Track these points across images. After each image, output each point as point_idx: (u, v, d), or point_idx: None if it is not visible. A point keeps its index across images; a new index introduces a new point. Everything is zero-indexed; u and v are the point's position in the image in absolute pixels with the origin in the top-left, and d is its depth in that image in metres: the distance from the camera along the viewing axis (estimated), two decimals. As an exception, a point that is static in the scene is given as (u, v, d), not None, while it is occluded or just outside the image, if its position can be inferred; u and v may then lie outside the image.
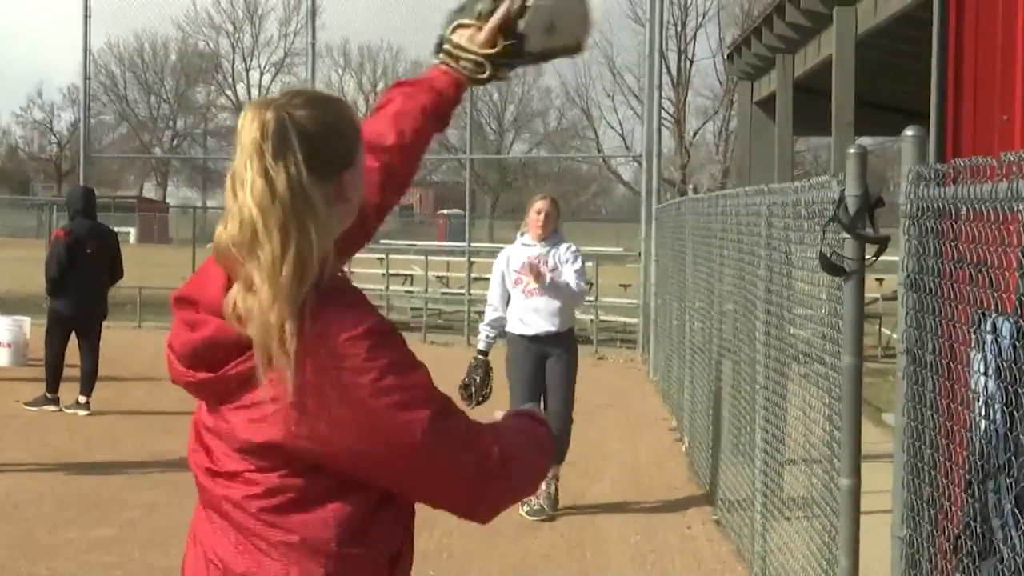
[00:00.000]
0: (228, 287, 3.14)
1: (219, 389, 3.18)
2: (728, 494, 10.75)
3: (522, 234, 11.78)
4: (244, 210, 3.09)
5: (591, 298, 25.60)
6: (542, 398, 11.53)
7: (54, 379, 16.30)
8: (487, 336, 11.72)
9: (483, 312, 12.10)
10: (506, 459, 3.22)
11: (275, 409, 3.06)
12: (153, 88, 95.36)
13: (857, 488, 6.44)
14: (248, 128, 3.14)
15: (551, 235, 11.68)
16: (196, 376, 3.19)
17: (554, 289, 11.37)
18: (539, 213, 11.62)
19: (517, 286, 11.53)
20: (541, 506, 11.31)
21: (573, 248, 11.79)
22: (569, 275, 11.47)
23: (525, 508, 11.22)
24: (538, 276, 11.27)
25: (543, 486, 11.45)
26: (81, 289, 16.16)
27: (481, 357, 11.52)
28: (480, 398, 11.17)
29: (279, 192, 3.09)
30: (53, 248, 16.26)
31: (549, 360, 11.51)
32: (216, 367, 3.15)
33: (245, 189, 3.10)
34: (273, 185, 3.09)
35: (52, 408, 16.07)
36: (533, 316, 11.48)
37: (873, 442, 8.21)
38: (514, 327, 11.58)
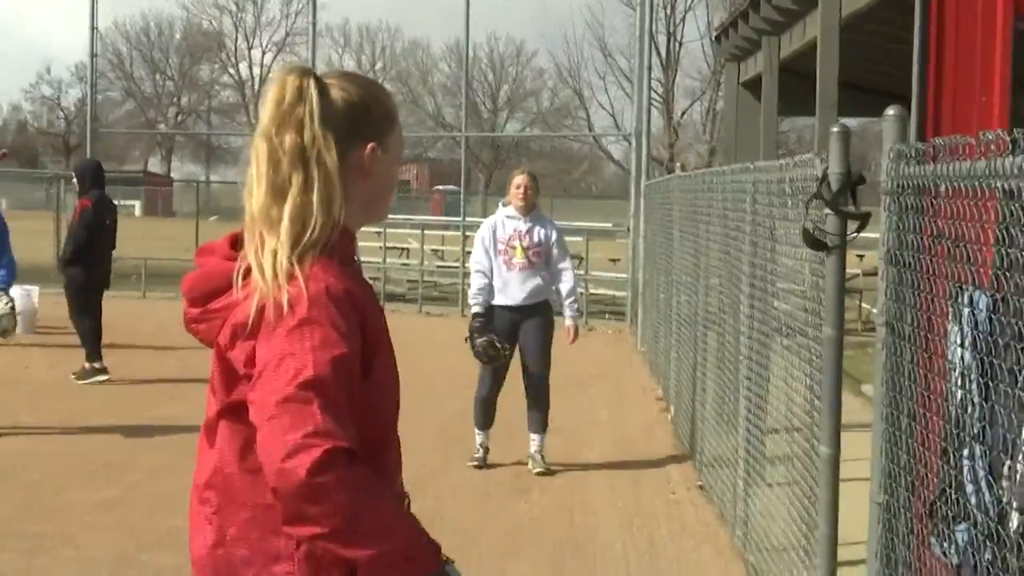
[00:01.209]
0: (239, 236, 3.28)
1: (208, 325, 3.31)
2: (712, 461, 10.76)
3: (504, 205, 11.86)
4: (253, 166, 3.22)
5: (581, 271, 25.61)
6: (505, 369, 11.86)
7: (96, 348, 16.22)
8: (481, 299, 11.77)
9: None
10: (335, 475, 2.96)
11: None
12: (158, 66, 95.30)
13: (837, 456, 6.44)
14: (270, 91, 3.25)
15: (532, 211, 11.87)
16: (191, 312, 3.34)
17: (577, 303, 12.22)
18: (519, 187, 11.82)
19: (502, 256, 11.61)
20: (484, 459, 11.78)
21: (559, 230, 12.12)
22: (569, 282, 12.00)
23: (472, 463, 11.71)
24: (574, 335, 12.16)
25: (534, 447, 11.58)
26: (102, 258, 16.23)
27: (482, 319, 11.64)
28: (502, 346, 11.52)
29: (286, 150, 3.18)
30: (81, 218, 16.16)
31: (523, 327, 11.61)
32: (205, 303, 3.28)
33: (256, 149, 3.22)
34: (279, 145, 3.19)
35: (102, 377, 15.99)
36: (511, 288, 11.61)
37: (852, 412, 8.20)
38: (494, 297, 11.69)
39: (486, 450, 11.72)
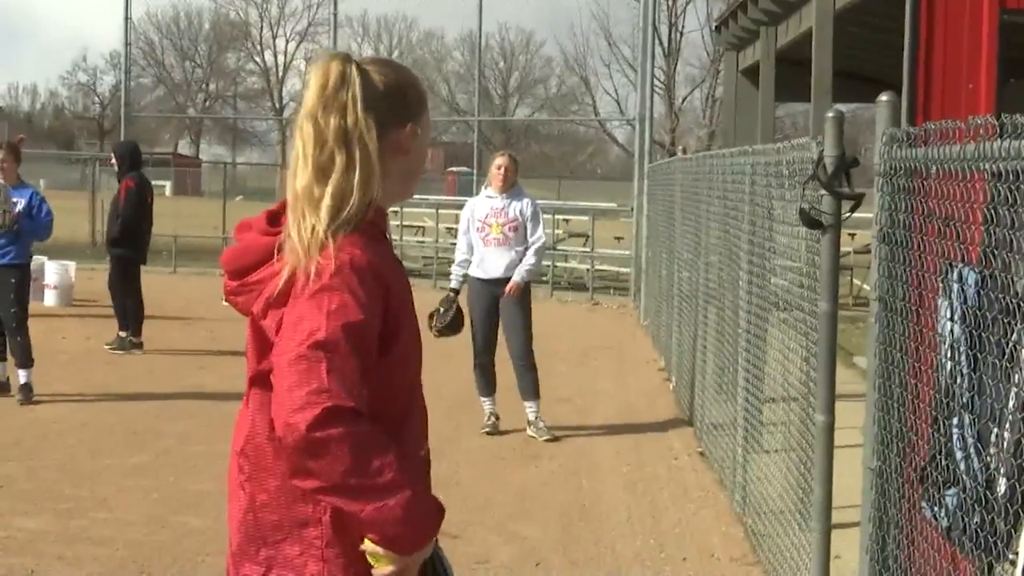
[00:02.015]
0: (275, 212, 3.32)
1: (246, 297, 3.30)
2: (712, 428, 10.75)
3: (486, 187, 11.92)
4: (299, 147, 3.24)
5: (587, 249, 25.60)
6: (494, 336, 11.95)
7: (138, 323, 16.25)
8: (457, 276, 12.05)
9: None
10: (341, 428, 2.98)
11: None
12: (188, 54, 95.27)
13: (831, 424, 6.43)
14: (314, 76, 3.27)
15: (511, 188, 11.84)
16: (230, 284, 3.33)
17: (532, 273, 11.94)
18: (499, 168, 11.86)
19: (480, 234, 11.70)
20: (496, 425, 11.80)
21: (534, 205, 12.03)
22: (530, 255, 11.76)
23: (485, 429, 11.73)
24: (515, 291, 11.66)
25: (531, 415, 11.61)
26: (145, 236, 16.29)
27: (452, 294, 11.90)
28: (440, 324, 11.65)
29: (331, 132, 3.21)
30: (127, 198, 16.14)
31: (503, 302, 11.63)
32: (243, 275, 3.28)
33: (301, 131, 3.25)
34: (324, 127, 3.21)
35: (139, 352, 16.01)
36: (488, 262, 11.69)
37: (845, 383, 8.20)
38: (473, 271, 11.89)
39: (496, 417, 11.72)
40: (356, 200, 3.19)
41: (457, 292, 11.91)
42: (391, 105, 3.31)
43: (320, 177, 3.19)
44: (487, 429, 11.65)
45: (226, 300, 3.40)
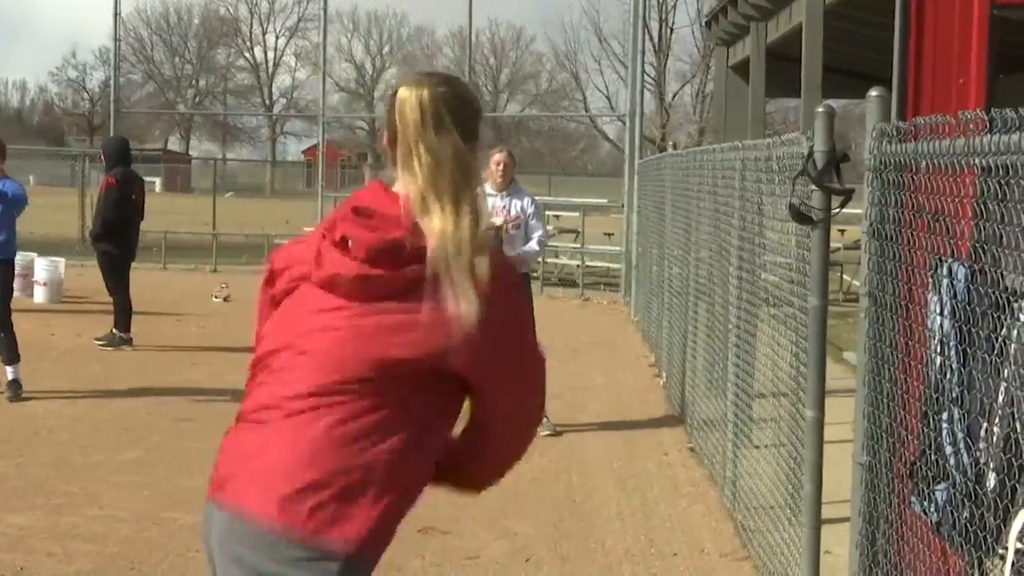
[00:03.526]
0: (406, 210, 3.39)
1: (385, 288, 3.33)
2: (702, 424, 10.76)
3: (484, 182, 11.79)
4: (419, 179, 3.40)
5: (577, 245, 25.59)
6: None
7: (128, 319, 16.23)
8: None
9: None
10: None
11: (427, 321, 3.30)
12: (177, 50, 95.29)
13: (821, 419, 6.44)
14: (412, 106, 3.43)
15: (510, 185, 11.70)
16: (372, 271, 3.33)
17: (528, 260, 11.80)
18: (498, 165, 11.61)
19: None
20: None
21: (535, 202, 11.95)
22: (533, 243, 11.61)
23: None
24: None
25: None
26: (129, 231, 16.21)
27: None
28: None
29: (445, 160, 3.40)
30: (106, 194, 16.12)
31: None
32: (395, 267, 3.31)
33: (419, 160, 3.41)
34: (439, 155, 3.40)
35: (129, 348, 16.00)
36: None
37: (835, 378, 8.22)
38: None
39: None
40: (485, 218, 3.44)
41: None
42: (470, 123, 3.51)
43: (447, 193, 3.39)
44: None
45: (344, 285, 3.40)
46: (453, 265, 3.28)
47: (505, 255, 3.51)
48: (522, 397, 3.58)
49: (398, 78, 3.88)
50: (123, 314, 16.16)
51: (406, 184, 3.41)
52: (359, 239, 3.34)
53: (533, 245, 11.51)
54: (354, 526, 3.25)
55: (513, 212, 11.54)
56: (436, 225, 3.32)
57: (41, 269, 20.64)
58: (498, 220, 11.43)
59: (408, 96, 3.42)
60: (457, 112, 3.44)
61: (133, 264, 16.61)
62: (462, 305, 3.26)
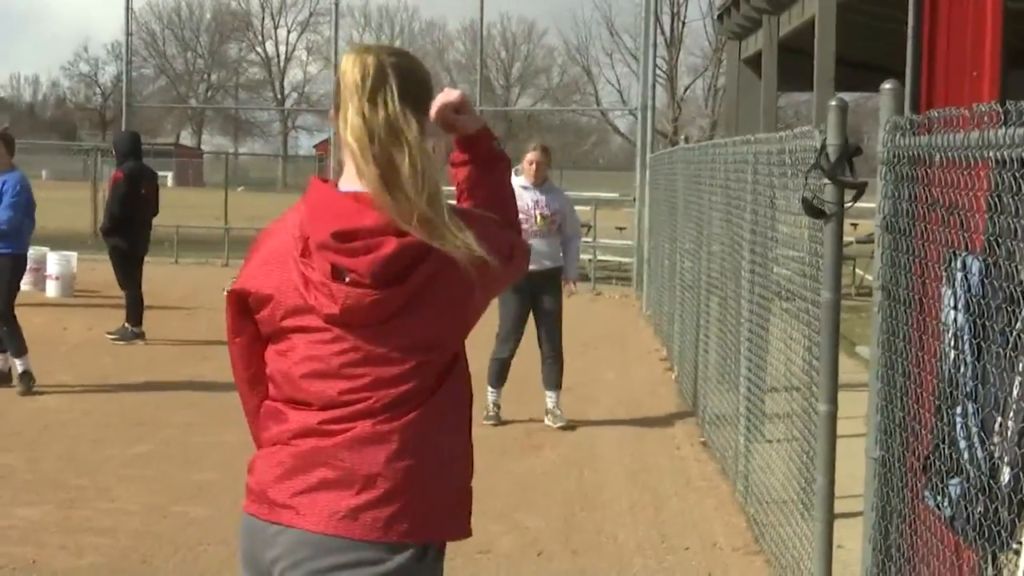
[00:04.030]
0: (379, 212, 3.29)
1: (400, 301, 3.30)
2: (714, 418, 10.75)
3: (517, 174, 11.79)
4: (348, 146, 3.31)
5: (589, 239, 25.57)
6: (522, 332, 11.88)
7: (138, 313, 16.25)
8: None
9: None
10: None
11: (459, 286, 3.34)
12: (189, 44, 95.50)
13: (834, 413, 6.42)
14: (350, 71, 3.32)
15: (544, 182, 11.91)
16: (383, 292, 3.27)
17: (575, 263, 12.31)
18: (531, 164, 11.84)
19: (523, 224, 11.52)
20: (497, 415, 11.83)
21: (569, 199, 12.22)
22: (576, 252, 12.17)
23: (484, 415, 11.66)
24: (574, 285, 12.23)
25: (551, 403, 11.61)
26: (139, 226, 16.19)
27: None
28: None
29: (377, 126, 3.28)
30: (114, 189, 16.14)
31: (538, 297, 11.60)
32: (403, 279, 3.27)
33: (346, 126, 3.30)
34: (370, 121, 3.28)
35: (139, 342, 16.02)
36: (535, 254, 11.51)
37: (848, 372, 8.19)
38: None
39: (498, 407, 11.74)
40: (435, 180, 3.30)
41: None
42: (419, 94, 3.39)
43: (389, 171, 3.26)
44: (491, 421, 11.66)
45: (357, 314, 3.33)
46: (433, 237, 3.24)
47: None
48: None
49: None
50: (134, 308, 16.18)
51: (353, 168, 3.34)
52: (356, 268, 3.27)
53: (577, 253, 12.21)
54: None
55: (553, 208, 11.66)
56: (393, 210, 3.26)
57: (53, 263, 20.67)
58: (540, 213, 11.57)
59: (351, 60, 3.34)
60: (402, 82, 3.33)
61: (145, 258, 16.62)
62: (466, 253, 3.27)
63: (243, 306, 3.49)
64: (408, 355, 3.33)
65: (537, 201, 11.62)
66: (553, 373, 11.79)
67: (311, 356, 3.36)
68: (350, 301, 3.28)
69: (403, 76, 3.33)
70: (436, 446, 3.44)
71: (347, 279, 3.27)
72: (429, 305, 3.31)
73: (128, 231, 16.09)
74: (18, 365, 12.51)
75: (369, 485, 3.31)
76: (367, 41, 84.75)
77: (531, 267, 11.76)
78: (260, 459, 3.47)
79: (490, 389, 11.75)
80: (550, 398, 11.75)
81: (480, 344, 12.15)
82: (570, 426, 11.57)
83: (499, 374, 11.80)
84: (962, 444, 4.40)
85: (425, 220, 3.22)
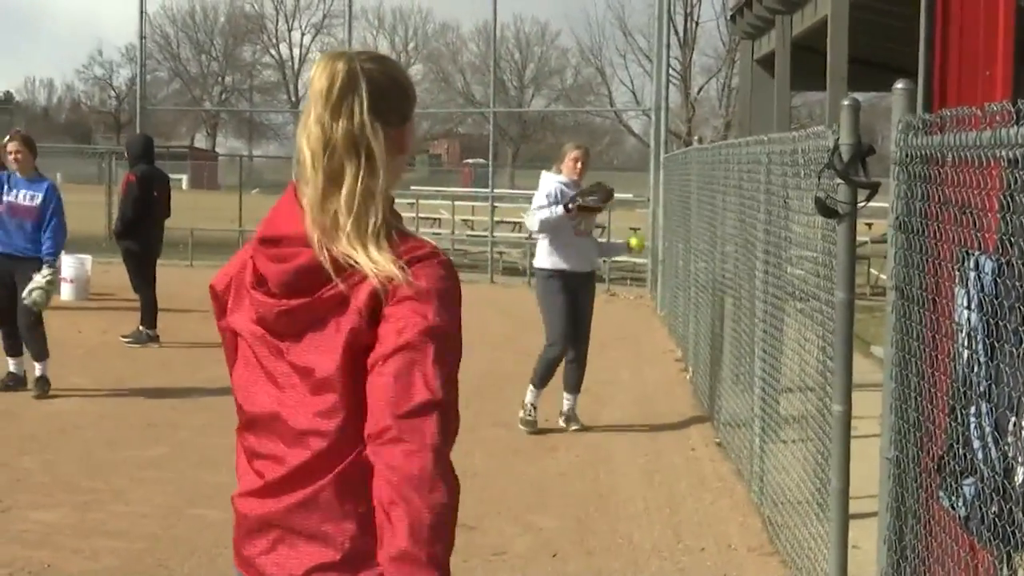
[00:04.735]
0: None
1: (311, 314, 3.16)
2: (729, 419, 10.74)
3: (556, 172, 11.72)
4: (301, 153, 3.17)
5: (603, 240, 25.51)
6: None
7: (152, 316, 16.29)
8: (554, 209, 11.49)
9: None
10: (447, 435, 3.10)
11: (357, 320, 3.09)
12: (203, 47, 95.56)
13: (848, 413, 6.42)
14: (318, 77, 3.18)
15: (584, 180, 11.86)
16: (290, 303, 3.16)
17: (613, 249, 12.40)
18: (576, 161, 11.75)
19: (572, 221, 11.47)
20: (535, 420, 11.60)
21: None
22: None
23: (523, 413, 11.60)
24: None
25: (568, 405, 11.58)
26: (151, 228, 16.22)
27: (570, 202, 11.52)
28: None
29: (336, 137, 3.13)
30: (127, 192, 16.19)
31: (578, 296, 11.54)
32: (311, 292, 3.13)
33: (304, 133, 3.17)
34: (329, 131, 3.14)
35: (154, 345, 16.05)
36: (579, 254, 11.51)
37: (862, 372, 8.19)
38: (552, 263, 11.52)
39: (536, 409, 11.61)
40: (380, 204, 3.13)
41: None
42: (391, 104, 3.23)
43: (332, 185, 3.13)
44: (529, 426, 11.51)
45: (270, 323, 3.25)
46: (346, 258, 3.09)
47: (418, 242, 3.19)
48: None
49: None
50: (149, 311, 16.21)
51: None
52: (269, 275, 3.20)
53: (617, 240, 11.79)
54: None
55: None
56: (311, 223, 3.13)
57: (68, 266, 20.69)
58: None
59: (320, 66, 3.20)
60: (374, 89, 3.17)
61: (160, 261, 16.65)
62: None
63: (220, 304, 3.45)
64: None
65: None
66: (574, 376, 11.72)
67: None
68: (259, 307, 3.24)
69: (376, 83, 3.19)
70: None
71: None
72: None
73: (140, 234, 16.13)
74: (36, 369, 12.54)
75: None
76: (380, 44, 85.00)
77: (568, 268, 11.75)
78: None
79: (531, 389, 11.61)
80: (567, 400, 11.69)
81: (498, 345, 12.20)
82: (585, 428, 11.56)
83: (547, 374, 11.61)
84: (976, 444, 4.39)
85: (345, 245, 3.09)
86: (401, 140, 3.26)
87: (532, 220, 11.64)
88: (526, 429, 11.47)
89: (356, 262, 3.08)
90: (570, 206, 11.33)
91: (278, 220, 3.25)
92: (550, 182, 11.63)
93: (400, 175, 3.32)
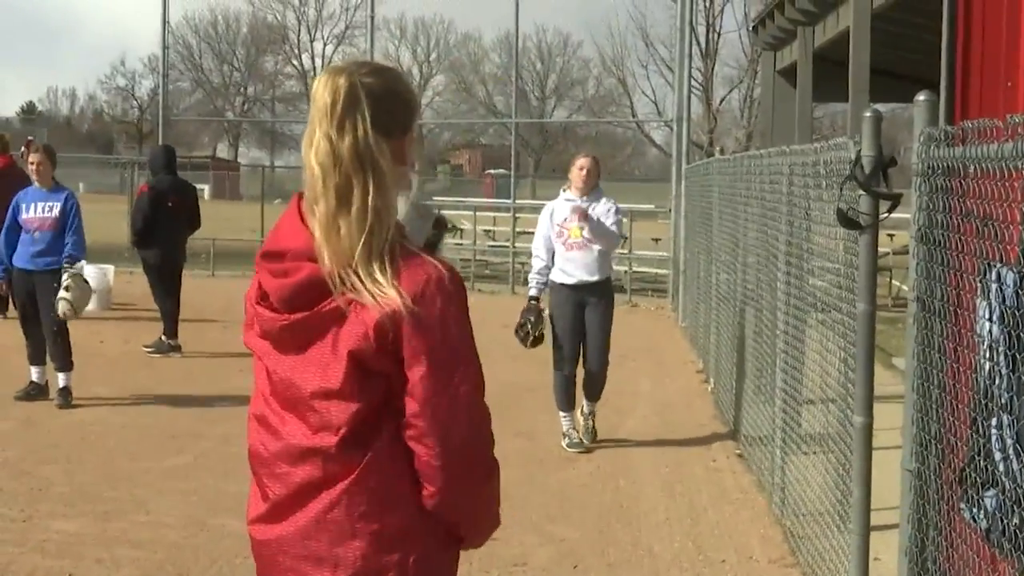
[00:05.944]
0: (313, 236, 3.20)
1: (311, 329, 3.19)
2: (750, 430, 10.73)
3: (564, 190, 11.67)
4: (310, 169, 3.18)
5: (625, 251, 25.53)
6: (580, 344, 11.53)
7: (173, 326, 16.33)
8: (536, 283, 11.53)
9: (526, 263, 12.05)
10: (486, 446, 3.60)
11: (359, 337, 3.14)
12: (226, 58, 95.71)
13: (870, 425, 6.41)
14: (321, 93, 3.20)
15: (592, 191, 11.56)
16: (291, 317, 3.21)
17: (599, 232, 11.29)
18: (581, 169, 11.51)
19: (559, 239, 11.41)
20: (580, 440, 11.34)
21: (612, 203, 11.68)
22: (608, 223, 11.38)
23: (566, 441, 11.29)
24: (584, 217, 11.23)
25: (581, 421, 11.50)
26: (164, 239, 16.24)
27: (533, 302, 11.46)
28: (535, 335, 11.28)
29: (343, 152, 3.16)
30: (138, 202, 16.31)
31: (587, 307, 11.45)
32: (311, 306, 3.17)
33: (312, 148, 3.19)
34: (337, 146, 3.16)
35: (176, 355, 16.09)
36: (572, 267, 11.40)
37: (883, 384, 8.17)
38: (556, 277, 11.45)
39: (575, 430, 11.50)
40: (389, 221, 3.17)
41: (538, 300, 11.52)
42: (394, 116, 3.26)
43: (342, 202, 3.16)
44: (576, 447, 11.34)
45: (274, 336, 3.31)
46: (352, 281, 3.14)
47: (430, 260, 3.24)
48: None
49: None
50: (170, 321, 16.26)
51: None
52: (271, 290, 3.25)
53: (611, 227, 11.40)
54: None
55: (593, 216, 11.38)
56: (322, 241, 3.16)
57: (90, 276, 20.67)
58: (573, 225, 11.37)
59: (323, 81, 3.23)
60: (376, 103, 3.20)
61: (183, 271, 16.72)
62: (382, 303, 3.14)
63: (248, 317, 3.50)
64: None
65: (578, 209, 11.43)
66: (598, 387, 11.63)
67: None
68: (267, 325, 3.29)
69: (376, 97, 3.21)
70: None
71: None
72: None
73: (155, 244, 16.18)
74: (60, 380, 12.58)
75: None
76: (402, 54, 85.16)
77: (577, 279, 11.56)
78: None
79: (560, 415, 11.54)
80: (586, 406, 11.66)
81: (519, 356, 12.21)
82: (587, 450, 11.35)
83: (565, 395, 11.52)
84: (998, 456, 4.39)
85: (354, 272, 3.13)
86: (402, 151, 3.28)
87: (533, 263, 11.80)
88: (575, 450, 11.32)
89: (364, 290, 3.12)
90: (522, 335, 11.43)
91: (281, 234, 3.28)
92: (544, 212, 11.72)
93: (402, 183, 3.33)
